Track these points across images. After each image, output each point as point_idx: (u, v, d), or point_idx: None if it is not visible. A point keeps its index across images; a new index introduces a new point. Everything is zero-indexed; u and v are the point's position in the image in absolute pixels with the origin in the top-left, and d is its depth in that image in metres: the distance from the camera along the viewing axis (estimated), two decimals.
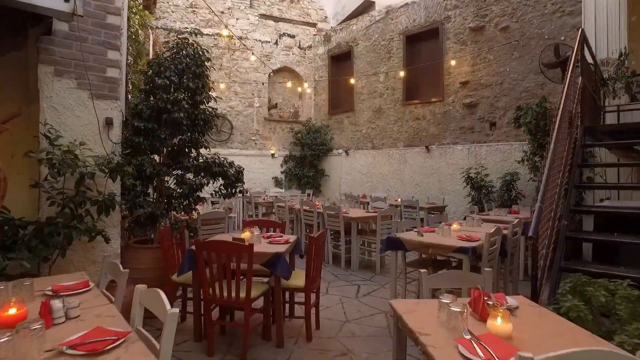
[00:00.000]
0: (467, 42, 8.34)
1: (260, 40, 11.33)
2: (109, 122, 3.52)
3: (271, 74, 11.57)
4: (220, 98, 10.70)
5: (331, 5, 12.38)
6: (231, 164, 4.57)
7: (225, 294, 2.92)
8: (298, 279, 3.39)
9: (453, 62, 8.22)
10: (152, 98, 4.14)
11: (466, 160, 8.29)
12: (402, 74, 8.90)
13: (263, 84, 11.39)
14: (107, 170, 3.21)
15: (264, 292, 3.13)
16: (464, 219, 5.07)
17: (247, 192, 7.04)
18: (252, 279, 2.92)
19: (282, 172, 11.67)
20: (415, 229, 4.28)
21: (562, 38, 6.97)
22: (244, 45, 10.96)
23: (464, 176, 7.68)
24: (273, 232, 4.27)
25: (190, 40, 4.66)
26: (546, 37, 7.19)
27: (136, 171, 3.69)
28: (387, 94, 9.96)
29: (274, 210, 7.61)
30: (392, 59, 9.80)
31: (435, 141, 8.93)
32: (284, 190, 11.15)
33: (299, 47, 11.89)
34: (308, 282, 3.26)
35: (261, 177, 11.42)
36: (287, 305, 3.68)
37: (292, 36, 11.77)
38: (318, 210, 6.23)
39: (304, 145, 11.29)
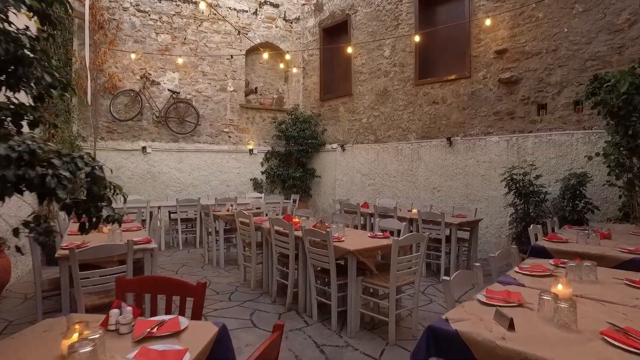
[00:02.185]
0: None
1: (235, 9, 9.10)
2: None
3: (250, 50, 9.34)
4: (176, 79, 8.48)
5: None
6: (91, 165, 2.18)
7: None
8: None
9: (488, 22, 6.01)
10: None
11: (504, 156, 6.10)
12: (417, 38, 6.69)
13: (230, 58, 9.16)
14: None
15: None
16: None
17: (217, 199, 4.80)
18: None
19: (262, 173, 9.45)
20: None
21: None
22: (216, 13, 8.74)
23: (505, 178, 5.50)
24: (165, 318, 2.07)
25: None
26: None
27: None
28: (394, 72, 7.76)
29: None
30: (400, 27, 7.61)
31: (460, 131, 6.74)
32: (263, 194, 8.94)
33: (284, 19, 9.66)
34: None
35: (236, 179, 9.21)
36: None
37: (276, 5, 9.55)
38: (296, 232, 4.03)
39: (290, 139, 9.08)
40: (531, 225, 3.87)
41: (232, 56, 8.40)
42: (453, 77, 6.80)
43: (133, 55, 7.79)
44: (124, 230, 4.16)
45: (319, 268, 3.76)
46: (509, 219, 5.68)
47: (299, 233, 3.93)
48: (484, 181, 6.32)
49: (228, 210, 5.99)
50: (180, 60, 8.14)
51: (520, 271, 2.50)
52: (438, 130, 7.04)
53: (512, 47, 6.06)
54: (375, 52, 8.11)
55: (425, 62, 7.35)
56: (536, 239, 3.89)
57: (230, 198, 7.46)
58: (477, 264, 2.36)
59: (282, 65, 8.88)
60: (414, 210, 5.98)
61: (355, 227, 6.34)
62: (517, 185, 5.42)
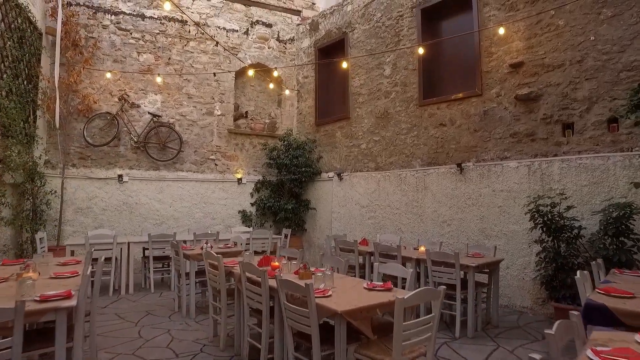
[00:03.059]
0: (518, 4, 5.46)
1: (224, 29, 8.53)
2: None
3: (240, 72, 8.70)
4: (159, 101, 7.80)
5: None
6: None
7: None
8: None
9: (501, 30, 5.29)
10: None
11: (526, 184, 5.23)
12: (421, 50, 5.96)
13: (214, 75, 8.50)
14: None
15: None
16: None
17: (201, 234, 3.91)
18: None
19: (252, 204, 8.58)
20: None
21: None
22: (203, 32, 8.16)
23: (529, 210, 4.60)
24: None
25: None
26: None
27: None
28: (395, 92, 7.03)
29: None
30: (401, 43, 6.94)
31: (472, 156, 5.90)
32: (252, 228, 8.03)
33: (278, 39, 9.08)
34: None
35: (222, 211, 8.33)
36: None
37: (269, 25, 8.99)
38: (270, 281, 3.12)
39: (282, 167, 8.26)
40: (578, 273, 2.94)
41: (214, 74, 7.71)
42: (462, 95, 6.04)
43: (109, 75, 7.12)
44: (53, 277, 3.27)
45: (297, 332, 2.82)
46: (535, 258, 4.74)
47: (272, 284, 3.02)
48: (502, 213, 5.42)
49: (202, 249, 5.08)
50: (159, 80, 7.46)
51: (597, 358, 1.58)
52: (446, 155, 6.21)
53: (529, 59, 5.32)
54: (374, 72, 7.42)
55: (430, 80, 6.62)
56: (585, 289, 2.95)
57: (211, 233, 6.56)
58: (576, 313, 1.50)
59: (271, 85, 8.19)
60: (422, 248, 5.06)
61: (351, 269, 5.40)
62: (545, 218, 4.52)
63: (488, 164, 5.65)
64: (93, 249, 5.46)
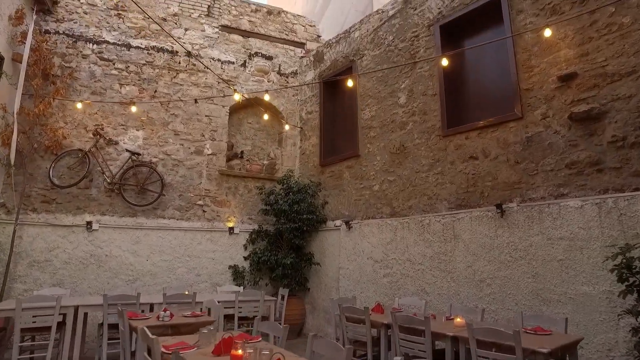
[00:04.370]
0: (562, 6, 4.42)
1: (219, 60, 7.75)
2: None
3: (237, 108, 7.80)
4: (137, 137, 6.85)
5: (327, 22, 9.01)
6: None
7: None
8: None
9: (548, 32, 4.18)
10: None
11: (597, 228, 3.85)
12: (444, 62, 4.85)
13: (207, 116, 7.55)
14: None
15: None
16: None
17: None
18: None
19: (245, 258, 7.26)
20: None
21: None
22: (195, 64, 7.36)
23: (616, 266, 3.21)
24: None
25: None
26: None
27: None
28: (413, 122, 5.91)
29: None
30: (418, 66, 5.93)
31: (515, 195, 4.59)
32: (242, 288, 6.66)
33: (279, 72, 8.25)
34: None
35: (210, 266, 7.02)
36: None
37: (269, 57, 8.20)
38: None
39: (280, 215, 7.02)
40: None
41: (196, 100, 6.77)
42: (496, 120, 4.86)
43: (79, 105, 6.22)
44: None
45: None
46: (629, 336, 3.26)
47: None
48: (564, 269, 4.00)
49: (159, 318, 3.74)
50: (134, 109, 6.49)
51: None
52: (480, 195, 4.92)
53: (584, 69, 4.16)
54: (387, 101, 6.36)
55: (455, 105, 5.51)
56: None
57: (187, 295, 5.22)
58: None
59: (265, 116, 7.21)
60: (458, 320, 3.63)
61: (362, 347, 3.96)
62: (637, 276, 3.11)
63: (538, 204, 4.32)
64: (25, 316, 4.20)
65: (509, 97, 4.82)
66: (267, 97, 6.28)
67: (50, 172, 6.24)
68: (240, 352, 2.33)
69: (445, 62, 4.80)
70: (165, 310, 3.78)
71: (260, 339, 2.94)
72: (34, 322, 4.47)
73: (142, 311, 4.49)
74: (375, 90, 6.60)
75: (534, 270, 4.23)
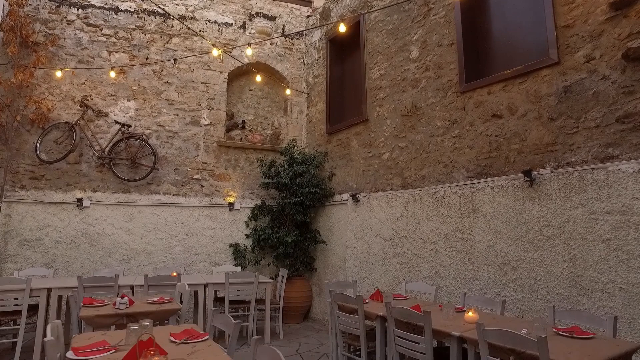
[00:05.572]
0: None
1: (216, 22, 7.06)
2: None
3: (238, 74, 7.14)
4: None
5: None
6: None
7: None
8: None
9: None
10: None
11: None
12: None
13: (204, 83, 6.92)
14: None
15: None
16: None
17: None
18: None
19: (247, 236, 6.74)
20: None
21: None
22: (188, 28, 6.72)
23: None
24: None
25: None
26: None
27: None
28: (426, 78, 5.04)
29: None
30: (432, 13, 5.01)
31: (547, 159, 3.72)
32: (240, 268, 6.17)
33: (283, 34, 7.48)
34: None
35: (209, 244, 6.55)
36: None
37: (272, 18, 7.43)
38: None
39: (282, 188, 6.41)
40: None
41: (175, 61, 6.14)
42: (526, 69, 3.94)
43: (59, 73, 5.75)
44: None
45: None
46: None
47: None
48: (611, 252, 3.14)
49: (115, 305, 3.24)
50: (112, 74, 5.94)
51: None
52: (505, 160, 4.06)
53: None
54: (397, 56, 5.50)
55: (475, 55, 4.60)
56: None
57: (170, 277, 4.76)
58: None
59: (258, 78, 6.51)
60: (470, 314, 2.90)
61: (356, 339, 3.34)
62: None
63: (578, 170, 3.44)
64: None
65: (542, 39, 3.88)
66: (249, 52, 5.55)
67: (37, 147, 5.88)
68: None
69: None
70: (122, 297, 3.28)
71: (208, 336, 2.36)
72: (2, 306, 4.13)
73: (119, 295, 4.03)
74: (384, 45, 5.73)
75: (571, 252, 3.39)
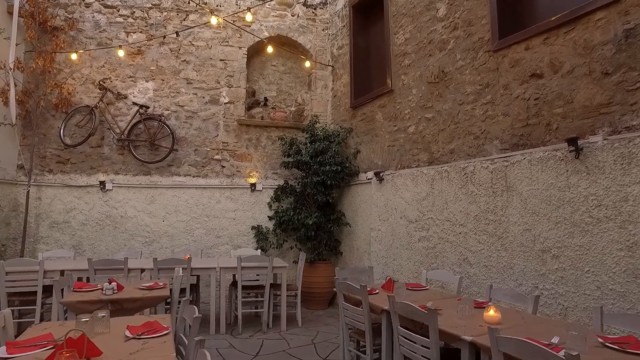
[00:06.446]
0: None
1: None
2: None
3: (258, 49, 6.80)
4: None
5: None
6: None
7: None
8: None
9: None
10: None
11: None
12: None
13: (222, 60, 6.63)
14: None
15: None
16: None
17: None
18: None
19: (270, 218, 6.49)
20: None
21: None
22: (204, 3, 6.45)
23: None
24: None
25: None
26: None
27: None
28: (454, 39, 4.39)
29: None
30: None
31: (599, 124, 3.02)
32: (261, 251, 5.94)
33: (305, 4, 6.99)
34: None
35: (231, 227, 6.38)
36: None
37: None
38: None
39: (303, 167, 6.05)
40: None
41: (177, 34, 5.83)
42: (573, 14, 3.21)
43: (74, 56, 5.71)
44: None
45: None
46: None
47: None
48: None
49: (102, 290, 3.08)
50: (121, 53, 5.79)
51: None
52: (546, 128, 3.39)
53: None
54: (423, 16, 4.85)
55: (510, 5, 3.88)
56: None
57: (181, 260, 4.60)
58: None
59: (270, 49, 6.06)
60: (491, 312, 2.39)
61: (361, 335, 2.97)
62: None
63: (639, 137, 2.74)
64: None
65: None
66: (248, 17, 5.09)
67: (62, 132, 5.94)
68: None
69: None
70: (111, 282, 3.10)
71: (168, 331, 2.07)
72: (14, 287, 4.18)
73: (115, 280, 3.92)
74: (409, 5, 5.09)
75: (630, 239, 2.74)
